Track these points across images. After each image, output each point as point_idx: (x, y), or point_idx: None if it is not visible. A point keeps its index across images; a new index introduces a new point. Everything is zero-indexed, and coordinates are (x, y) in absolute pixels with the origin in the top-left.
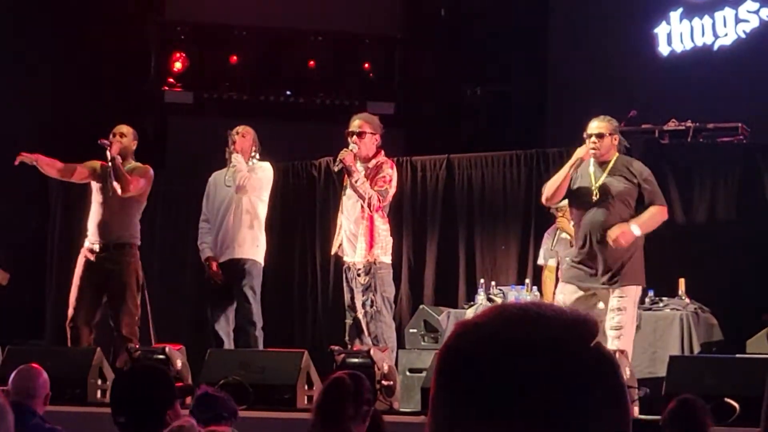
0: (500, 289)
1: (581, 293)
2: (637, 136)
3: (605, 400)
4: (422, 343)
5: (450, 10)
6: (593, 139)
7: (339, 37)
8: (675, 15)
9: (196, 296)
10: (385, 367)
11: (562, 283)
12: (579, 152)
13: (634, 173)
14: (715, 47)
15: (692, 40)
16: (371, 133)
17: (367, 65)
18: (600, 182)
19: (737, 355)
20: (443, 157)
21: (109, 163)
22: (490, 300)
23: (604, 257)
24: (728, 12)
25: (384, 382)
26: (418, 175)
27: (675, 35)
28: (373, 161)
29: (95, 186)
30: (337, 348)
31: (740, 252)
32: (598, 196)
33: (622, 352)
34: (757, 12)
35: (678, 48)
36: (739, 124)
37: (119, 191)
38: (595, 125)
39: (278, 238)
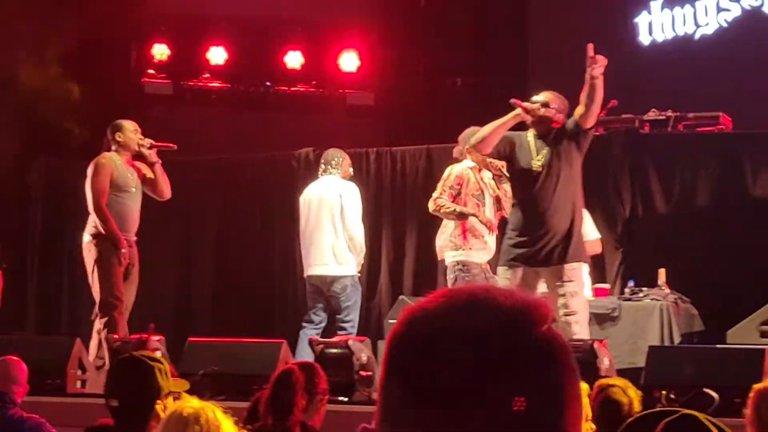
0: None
1: (523, 276)
2: (617, 126)
3: (556, 385)
4: None
5: (430, 0)
6: (537, 105)
7: (319, 27)
8: (656, 4)
9: (178, 287)
10: (364, 358)
11: (502, 267)
12: (518, 110)
13: (567, 125)
14: (697, 36)
15: (673, 29)
16: None
17: (346, 55)
18: (542, 156)
19: (717, 346)
20: (423, 147)
21: (152, 166)
22: None
23: (549, 235)
24: (709, 1)
25: (362, 373)
26: (398, 165)
27: (656, 25)
28: None
29: (122, 183)
30: (315, 338)
31: (721, 242)
32: (542, 169)
33: (600, 341)
34: (738, 1)
35: (659, 37)
36: (720, 114)
37: (168, 195)
38: (544, 94)
39: (259, 229)
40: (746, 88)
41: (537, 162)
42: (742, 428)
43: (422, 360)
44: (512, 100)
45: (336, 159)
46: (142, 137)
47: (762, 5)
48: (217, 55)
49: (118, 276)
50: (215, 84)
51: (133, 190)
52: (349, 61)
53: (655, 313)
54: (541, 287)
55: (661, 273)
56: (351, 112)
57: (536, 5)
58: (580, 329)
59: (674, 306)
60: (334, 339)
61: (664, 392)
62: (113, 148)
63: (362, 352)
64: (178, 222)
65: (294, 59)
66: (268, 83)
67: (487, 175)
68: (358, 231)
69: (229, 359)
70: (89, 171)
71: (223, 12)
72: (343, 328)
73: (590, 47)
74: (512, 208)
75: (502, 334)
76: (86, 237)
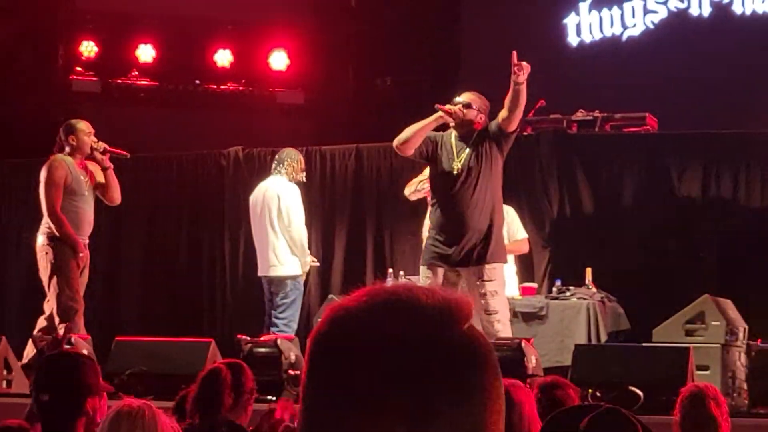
0: (409, 278)
1: (444, 275)
2: (545, 126)
3: (477, 383)
4: None
5: (360, 0)
6: (459, 106)
7: (248, 25)
8: (584, 6)
9: (106, 286)
10: (293, 357)
11: (423, 267)
12: (440, 113)
13: (490, 127)
14: (624, 38)
15: (601, 30)
16: None
17: (276, 54)
18: (463, 157)
19: (643, 344)
20: (352, 146)
21: (104, 171)
22: None
23: (468, 236)
24: (637, 3)
25: (291, 372)
26: (327, 164)
27: (584, 26)
28: None
29: (76, 186)
30: (243, 337)
31: (647, 241)
32: (461, 170)
33: (528, 340)
34: (665, 3)
35: (587, 38)
36: (646, 114)
37: (119, 200)
38: (465, 95)
39: (187, 227)
40: (672, 89)
41: (458, 163)
42: (669, 426)
43: (343, 359)
44: (436, 106)
45: (288, 160)
46: (95, 140)
47: (688, 8)
48: (145, 53)
49: (77, 280)
50: (144, 82)
51: (86, 193)
52: (278, 60)
53: (582, 312)
54: (462, 287)
55: (588, 272)
56: (281, 111)
57: (467, 5)
58: (502, 327)
59: (601, 305)
60: (262, 338)
61: (590, 390)
62: (66, 150)
63: (291, 351)
64: (105, 220)
65: (223, 58)
66: (197, 81)
67: None
68: (297, 232)
69: (157, 359)
70: (42, 174)
71: (152, 10)
72: (275, 325)
73: (514, 54)
74: (432, 208)
75: (423, 333)
76: (40, 239)
